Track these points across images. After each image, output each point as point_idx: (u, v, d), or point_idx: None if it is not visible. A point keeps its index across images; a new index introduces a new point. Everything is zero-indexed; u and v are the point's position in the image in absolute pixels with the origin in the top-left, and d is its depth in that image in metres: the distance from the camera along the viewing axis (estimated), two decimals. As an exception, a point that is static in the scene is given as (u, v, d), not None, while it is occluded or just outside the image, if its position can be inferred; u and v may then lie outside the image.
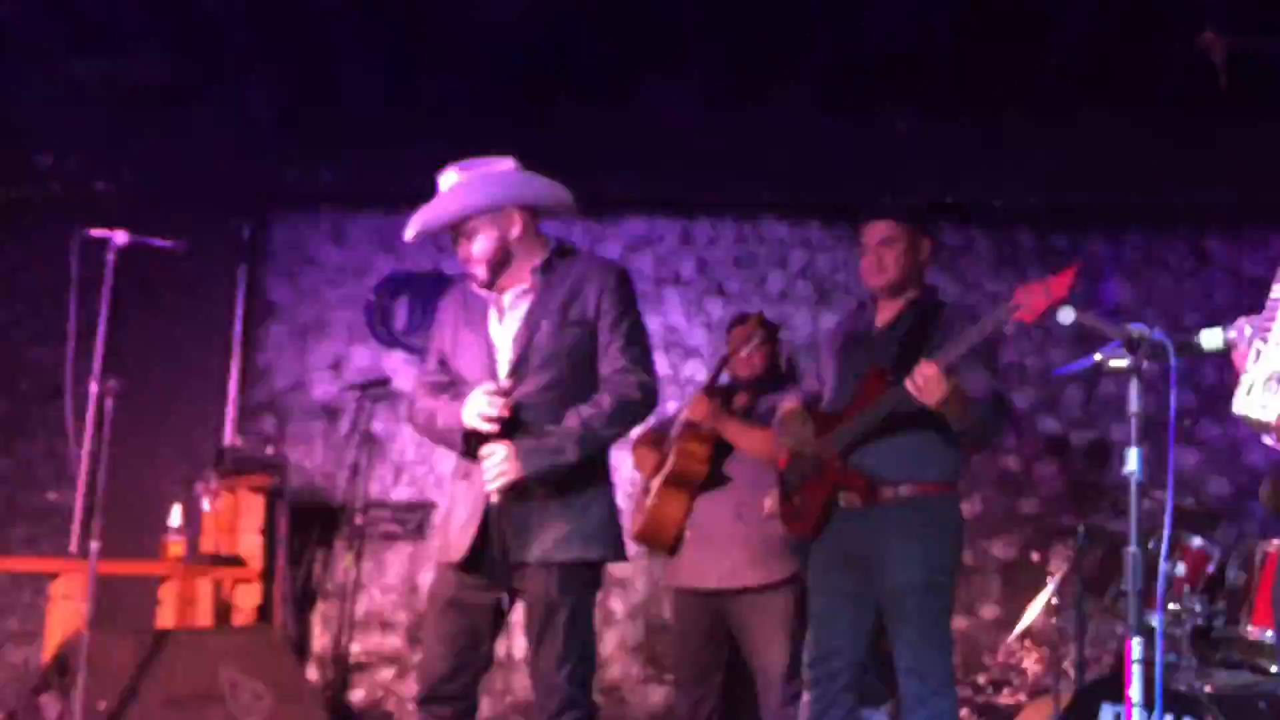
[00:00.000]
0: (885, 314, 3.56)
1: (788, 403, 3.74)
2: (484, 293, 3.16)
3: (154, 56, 5.12)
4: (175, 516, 4.64)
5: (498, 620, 3.09)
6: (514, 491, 2.98)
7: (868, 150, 5.35)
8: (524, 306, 3.12)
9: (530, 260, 3.12)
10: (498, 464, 2.94)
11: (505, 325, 3.12)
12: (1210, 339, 2.04)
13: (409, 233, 3.17)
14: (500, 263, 3.10)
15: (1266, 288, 1.98)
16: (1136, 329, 1.95)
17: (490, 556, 3.01)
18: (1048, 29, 4.70)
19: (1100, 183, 5.22)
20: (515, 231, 3.11)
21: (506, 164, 3.17)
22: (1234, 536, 4.70)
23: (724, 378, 4.49)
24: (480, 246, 3.09)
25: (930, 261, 3.62)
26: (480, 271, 3.11)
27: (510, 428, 3.00)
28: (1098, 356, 1.97)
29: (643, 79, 5.34)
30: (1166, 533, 1.89)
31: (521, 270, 3.12)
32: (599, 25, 4.80)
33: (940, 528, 3.37)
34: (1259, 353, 1.92)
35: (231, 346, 5.53)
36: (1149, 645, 1.86)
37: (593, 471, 3.07)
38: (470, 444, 3.04)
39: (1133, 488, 1.94)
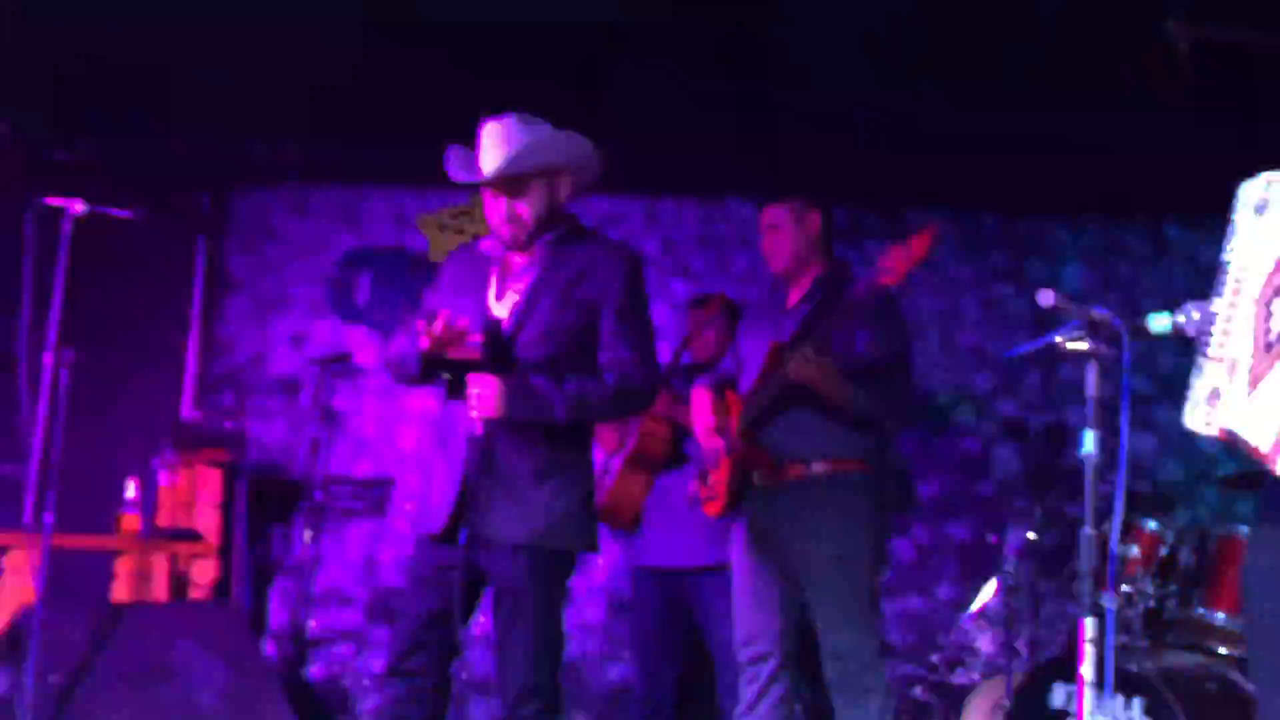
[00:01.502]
0: (798, 291, 3.57)
1: (697, 388, 3.74)
2: (492, 254, 3.06)
3: (112, 24, 5.03)
4: (131, 490, 4.59)
5: (471, 598, 3.01)
6: (488, 461, 2.89)
7: (833, 132, 5.35)
8: (528, 278, 3.01)
9: (549, 232, 3.01)
10: (483, 396, 2.84)
11: (505, 296, 3.02)
12: (1158, 324, 2.06)
13: (460, 177, 3.00)
14: (542, 227, 2.99)
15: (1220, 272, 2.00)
16: (1096, 312, 1.97)
17: (465, 530, 2.94)
18: (1014, 16, 4.72)
19: (1062, 169, 5.25)
20: (563, 196, 3.02)
21: (574, 135, 3.04)
22: (1187, 520, 4.78)
23: (686, 357, 4.50)
24: (530, 206, 2.96)
25: (824, 236, 3.56)
26: (521, 234, 2.97)
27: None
28: (1058, 338, 1.98)
29: (608, 58, 5.31)
30: (1117, 516, 1.91)
31: (541, 239, 3.02)
32: (564, 2, 4.77)
33: (850, 505, 3.34)
34: (1199, 367, 1.94)
35: (190, 319, 5.48)
36: (1101, 626, 1.88)
37: (572, 458, 3.00)
38: (451, 380, 2.95)
39: (1088, 470, 1.97)
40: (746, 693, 3.45)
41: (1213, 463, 4.86)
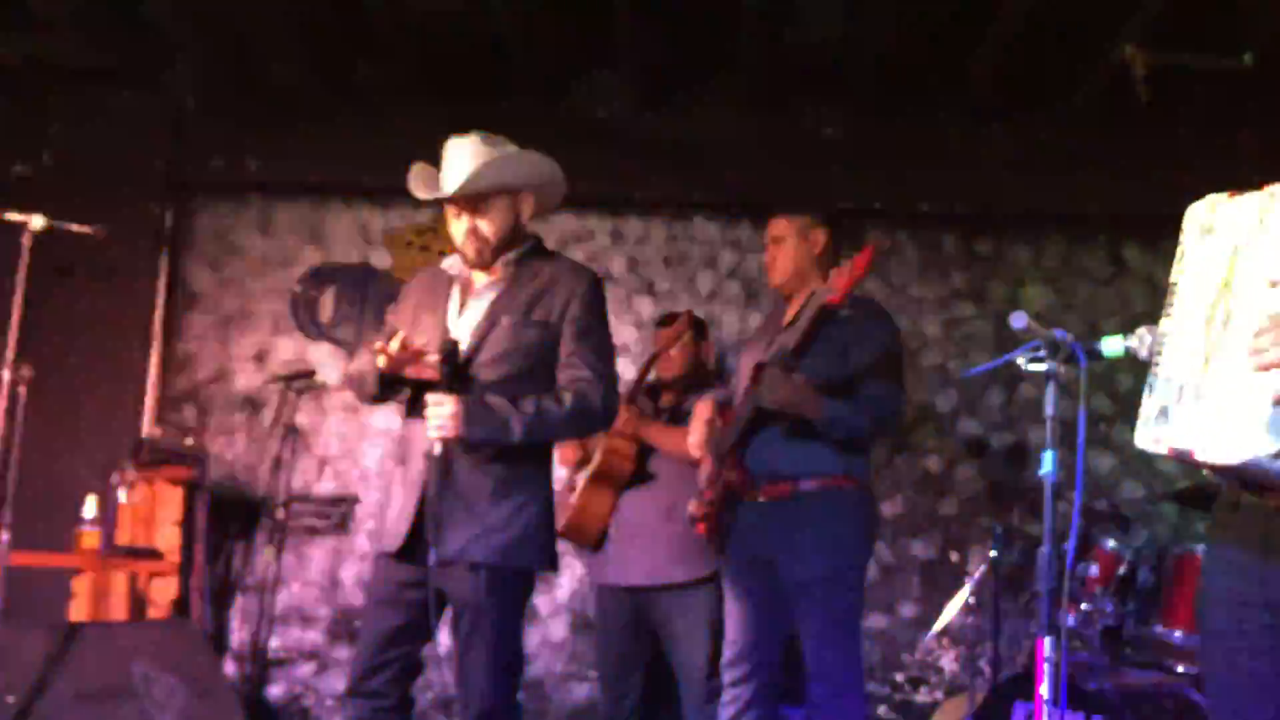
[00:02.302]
0: (791, 310, 3.58)
1: (701, 405, 3.74)
2: (454, 272, 3.07)
3: (75, 37, 5.01)
4: (90, 508, 4.54)
5: (433, 617, 2.99)
6: (447, 478, 2.90)
7: (797, 153, 5.39)
8: (489, 297, 3.03)
9: (511, 251, 3.04)
10: (441, 416, 2.84)
11: (466, 315, 3.04)
12: (1111, 347, 2.09)
13: (422, 193, 3.03)
14: (504, 245, 3.02)
15: None
16: (1055, 334, 2.00)
17: (424, 548, 2.92)
18: (974, 38, 4.78)
19: (1023, 190, 5.32)
20: (526, 215, 3.07)
21: (543, 158, 3.09)
22: (1146, 539, 4.83)
23: (652, 376, 4.50)
24: (492, 224, 3.00)
25: (827, 253, 3.56)
26: (483, 251, 3.01)
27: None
28: (1021, 360, 2.01)
29: (575, 77, 5.34)
30: (1073, 535, 1.93)
31: (504, 258, 3.04)
32: (532, 19, 4.79)
33: (841, 523, 3.34)
34: (1150, 387, 1.97)
35: (151, 335, 5.42)
36: (1059, 645, 1.90)
37: (530, 475, 3.00)
38: (410, 398, 2.95)
39: (1047, 490, 1.99)
40: (725, 712, 3.43)
41: (1171, 482, 4.91)
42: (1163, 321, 1.97)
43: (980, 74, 4.97)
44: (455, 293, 3.08)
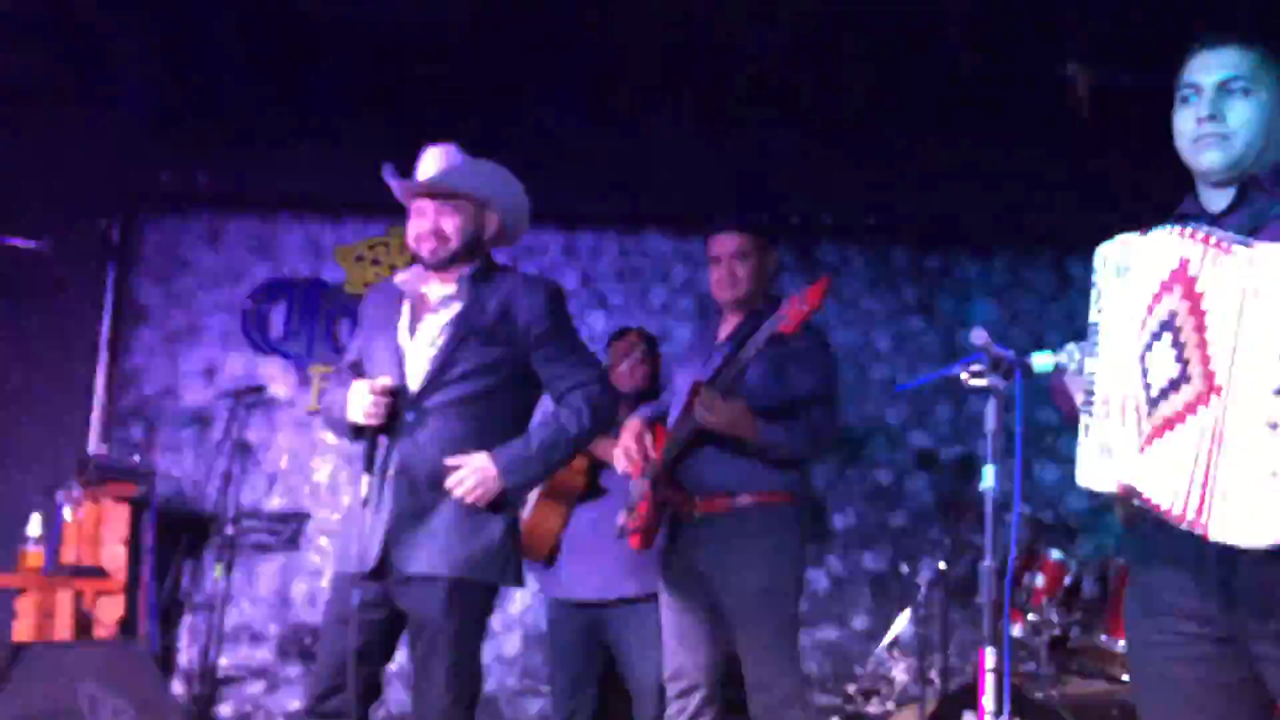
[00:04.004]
0: (728, 326, 3.59)
1: (630, 422, 3.75)
2: (405, 289, 3.05)
3: (18, 49, 4.95)
4: (34, 526, 4.48)
5: (391, 638, 2.98)
6: (410, 496, 2.89)
7: (748, 168, 5.43)
8: (448, 316, 3.01)
9: (468, 266, 3.04)
10: (472, 477, 2.87)
11: (422, 331, 3.01)
12: (1041, 362, 2.12)
13: (393, 183, 3.04)
14: (462, 253, 3.02)
15: None
16: (995, 349, 2.03)
17: (387, 568, 2.90)
18: (920, 56, 4.85)
19: (971, 206, 5.39)
20: (488, 232, 3.07)
21: (510, 176, 3.14)
22: (1091, 550, 4.90)
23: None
24: (459, 229, 3.00)
25: (776, 274, 3.64)
26: (440, 250, 3.00)
27: (402, 426, 2.92)
28: (964, 375, 2.04)
29: (526, 90, 5.35)
30: (1013, 547, 1.96)
31: (460, 273, 3.03)
32: (482, 35, 4.80)
33: (778, 537, 3.36)
34: (1086, 426, 1.99)
35: (98, 350, 5.35)
36: (1001, 655, 1.93)
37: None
38: (366, 440, 2.93)
39: (988, 504, 2.02)
40: None
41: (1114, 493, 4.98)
42: (1089, 361, 1.98)
43: (928, 91, 5.04)
44: (405, 310, 3.05)
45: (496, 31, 4.80)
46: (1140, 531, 2.02)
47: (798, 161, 5.43)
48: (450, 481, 2.89)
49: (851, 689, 5.09)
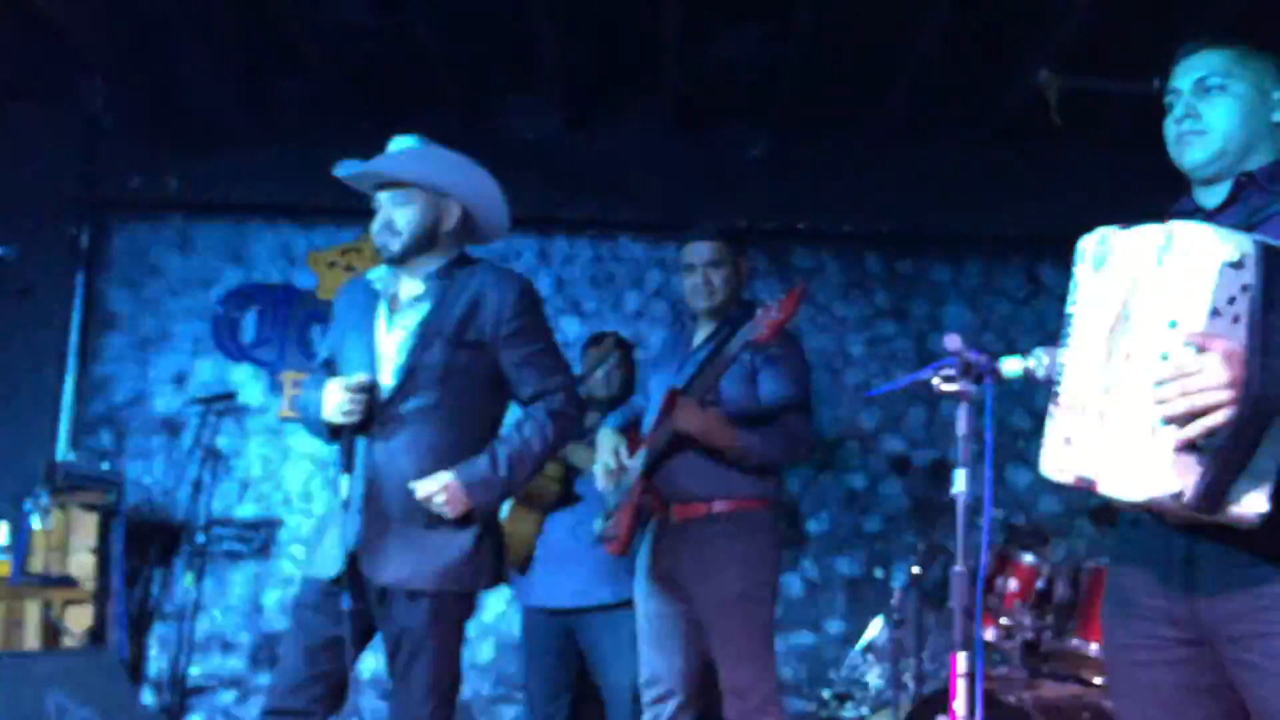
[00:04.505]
0: (701, 333, 3.59)
1: (603, 435, 3.75)
2: (379, 287, 2.99)
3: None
4: (2, 534, 4.43)
5: (358, 643, 2.90)
6: (380, 506, 2.84)
7: (721, 173, 5.44)
8: (417, 316, 2.94)
9: (434, 262, 2.97)
10: (440, 495, 2.81)
11: (393, 332, 2.95)
12: (1009, 367, 2.13)
13: (340, 170, 2.97)
14: (419, 246, 2.94)
15: None
16: (967, 354, 2.03)
17: (357, 575, 2.85)
18: (894, 61, 4.87)
19: (943, 211, 5.42)
20: (448, 224, 2.97)
21: (475, 166, 3.04)
22: (1063, 553, 4.92)
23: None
24: (410, 220, 2.92)
25: (748, 281, 3.65)
26: (394, 244, 2.93)
27: (375, 431, 2.87)
28: (936, 380, 2.04)
29: (499, 96, 5.34)
30: (984, 551, 1.97)
31: (422, 268, 2.96)
32: (455, 38, 4.78)
33: (752, 543, 3.36)
34: (1051, 415, 2.01)
35: (67, 357, 5.30)
36: (973, 660, 1.93)
37: None
38: (343, 441, 2.88)
39: (959, 508, 2.03)
40: None
41: (1086, 497, 5.01)
42: (1061, 351, 2.01)
43: (900, 96, 5.06)
44: (381, 309, 2.99)
45: (469, 37, 4.79)
46: (1117, 532, 2.04)
47: (771, 167, 5.44)
48: (419, 497, 2.83)
49: (826, 694, 5.10)
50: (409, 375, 2.89)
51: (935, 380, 2.04)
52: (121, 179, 5.38)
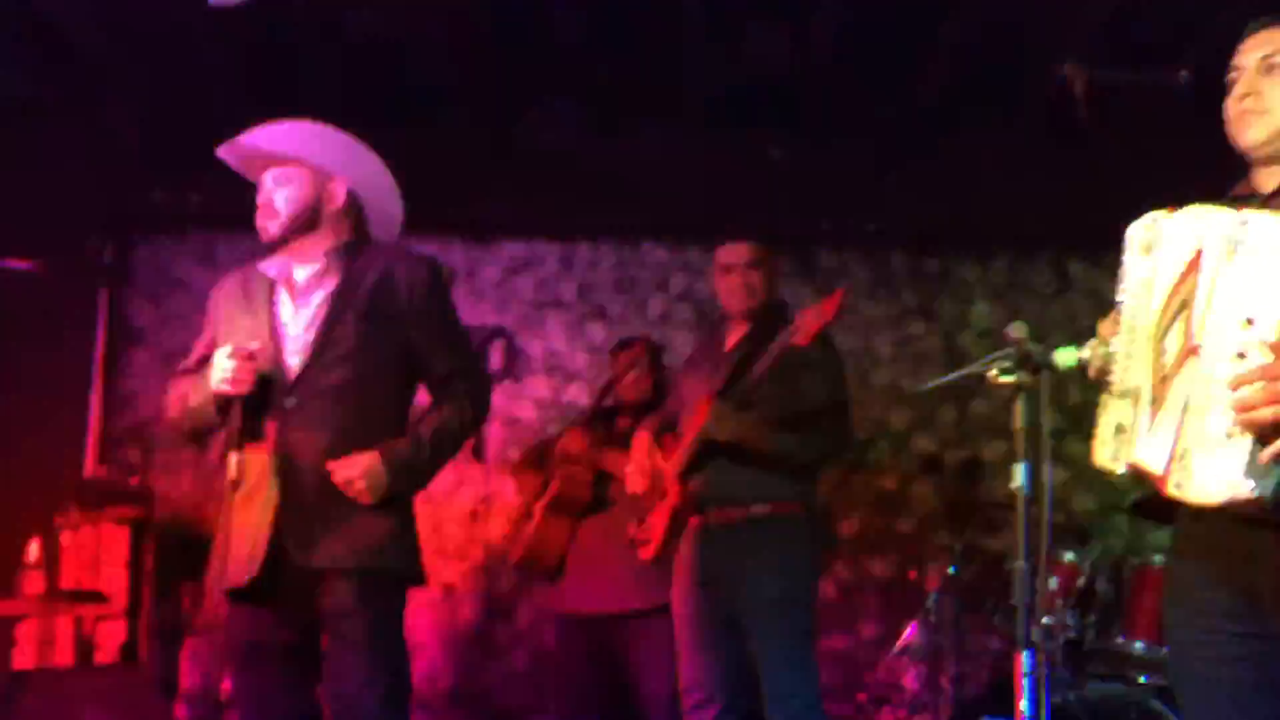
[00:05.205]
0: (735, 335, 3.58)
1: (638, 439, 3.72)
2: (273, 273, 2.85)
3: (6, 70, 4.91)
4: (33, 551, 4.42)
5: (313, 656, 2.73)
6: (292, 498, 2.67)
7: (745, 175, 5.41)
8: (321, 293, 2.81)
9: (326, 242, 2.84)
10: (361, 480, 2.67)
11: (299, 312, 2.81)
12: (1064, 358, 2.11)
13: (221, 150, 2.90)
14: (300, 227, 2.83)
15: None
16: (1030, 345, 2.01)
17: (284, 577, 2.67)
18: (919, 59, 4.83)
19: (969, 208, 5.37)
20: (332, 206, 2.86)
21: (364, 148, 2.94)
22: (1100, 551, 4.87)
23: (609, 401, 4.49)
24: (289, 199, 2.82)
25: (781, 283, 3.64)
26: (272, 225, 2.83)
27: (283, 413, 2.71)
28: (992, 373, 2.01)
29: (522, 102, 5.32)
30: (1045, 549, 1.94)
31: (315, 249, 2.83)
32: (477, 47, 4.77)
33: (791, 546, 3.35)
34: (1104, 404, 1.99)
35: (92, 373, 5.30)
36: (1037, 659, 1.90)
37: None
38: (230, 416, 2.71)
39: (1021, 502, 1.99)
40: None
41: (1123, 494, 4.95)
42: (1112, 340, 1.98)
43: (924, 94, 5.02)
44: (283, 294, 2.84)
45: (492, 44, 4.77)
46: (1178, 530, 2.00)
47: (794, 168, 5.40)
48: (336, 480, 2.69)
49: (862, 697, 5.05)
50: (320, 351, 2.76)
51: (992, 373, 2.00)
52: (144, 194, 5.37)
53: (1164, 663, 3.55)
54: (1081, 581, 3.77)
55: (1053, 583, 3.75)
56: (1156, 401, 1.87)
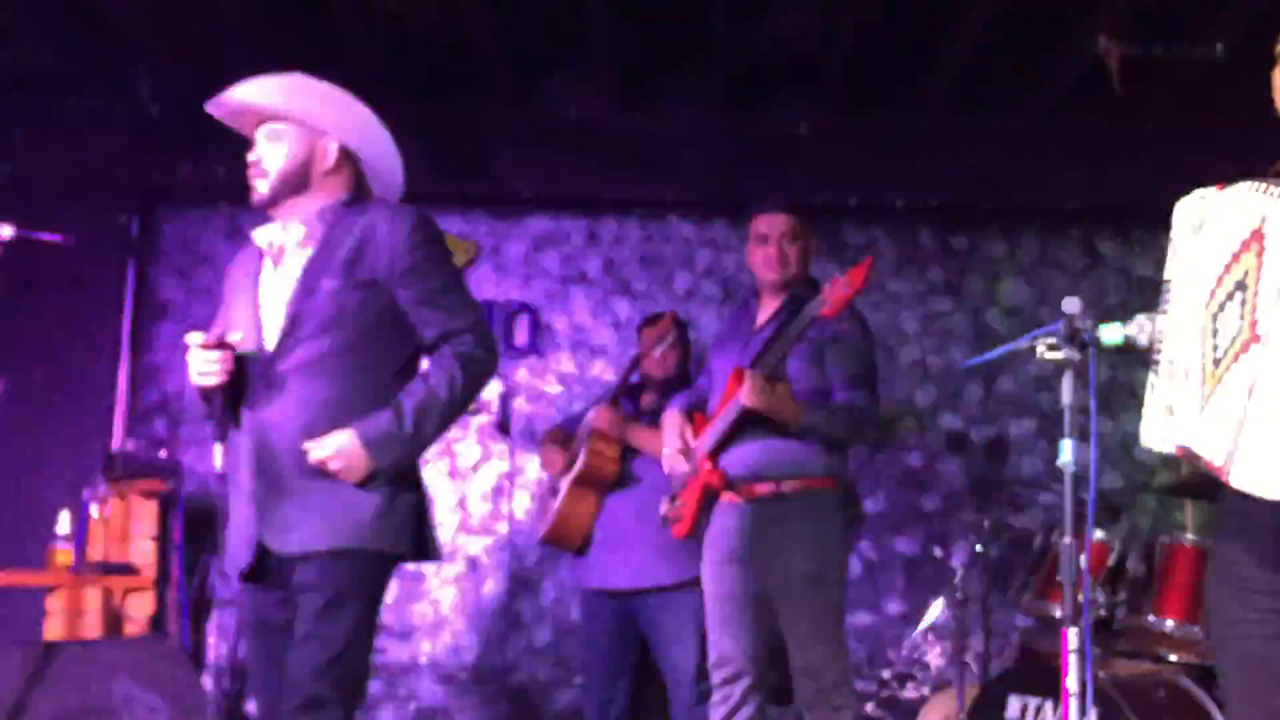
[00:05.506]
0: (766, 311, 3.56)
1: (669, 416, 3.71)
2: (263, 244, 2.70)
3: (34, 43, 4.91)
4: (63, 524, 4.44)
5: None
6: (269, 486, 2.55)
7: (772, 150, 5.37)
8: (300, 261, 2.64)
9: (315, 204, 2.68)
10: (336, 460, 2.50)
11: (277, 283, 2.65)
12: (1110, 335, 2.08)
13: (210, 104, 2.73)
14: (291, 187, 2.67)
15: (1154, 286, 2.04)
16: (1083, 321, 1.99)
17: (271, 563, 2.59)
18: (947, 31, 4.78)
19: (997, 183, 5.33)
20: (324, 165, 2.69)
21: (359, 104, 2.79)
22: (1128, 529, 4.85)
23: (635, 377, 4.48)
24: (278, 156, 2.67)
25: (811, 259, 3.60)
26: (262, 185, 2.68)
27: (258, 393, 2.57)
28: (1040, 348, 1.99)
29: (547, 77, 5.30)
30: (1089, 525, 1.92)
31: (303, 212, 2.67)
32: (502, 20, 4.74)
33: (821, 522, 3.34)
34: (1152, 385, 1.96)
35: (120, 346, 5.32)
36: (1083, 636, 1.88)
37: None
38: (213, 407, 2.60)
39: (1066, 478, 1.98)
40: (715, 713, 3.41)
41: (1150, 472, 4.93)
42: (1160, 319, 1.96)
43: (953, 67, 4.97)
44: (267, 265, 2.70)
45: (518, 16, 4.74)
46: (1222, 508, 1.98)
47: (821, 142, 5.36)
48: (312, 460, 2.52)
49: (887, 674, 5.06)
50: (292, 325, 2.58)
51: (1040, 348, 1.98)
52: (170, 167, 5.37)
53: (1195, 642, 3.54)
54: (1112, 559, 3.74)
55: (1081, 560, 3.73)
56: (1210, 384, 1.84)
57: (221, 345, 2.56)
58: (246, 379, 2.61)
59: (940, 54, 4.92)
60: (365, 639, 2.56)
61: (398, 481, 2.57)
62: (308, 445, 2.52)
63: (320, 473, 2.52)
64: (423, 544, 2.63)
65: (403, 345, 2.66)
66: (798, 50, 5.03)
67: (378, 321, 2.61)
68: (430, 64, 5.08)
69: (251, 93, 2.71)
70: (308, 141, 2.70)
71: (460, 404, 2.61)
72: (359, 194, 2.76)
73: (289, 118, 2.70)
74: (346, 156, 2.73)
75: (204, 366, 2.56)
